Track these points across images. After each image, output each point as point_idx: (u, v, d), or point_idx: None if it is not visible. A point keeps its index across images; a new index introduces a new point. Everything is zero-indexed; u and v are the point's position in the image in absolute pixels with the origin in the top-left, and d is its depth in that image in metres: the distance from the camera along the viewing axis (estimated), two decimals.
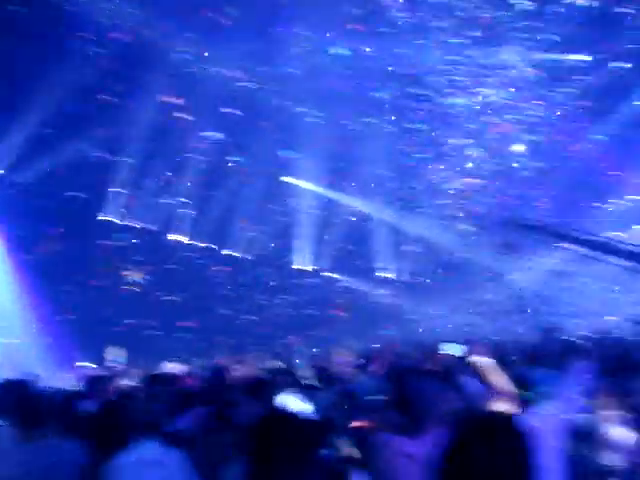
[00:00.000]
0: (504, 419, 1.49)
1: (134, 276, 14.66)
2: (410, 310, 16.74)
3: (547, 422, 2.53)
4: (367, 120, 15.74)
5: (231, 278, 16.11)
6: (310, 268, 17.16)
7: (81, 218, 13.54)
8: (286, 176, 16.29)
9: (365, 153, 15.76)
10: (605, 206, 15.79)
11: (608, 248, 12.42)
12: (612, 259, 12.39)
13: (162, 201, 15.00)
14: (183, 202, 15.26)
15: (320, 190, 16.79)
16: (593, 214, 15.48)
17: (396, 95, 15.57)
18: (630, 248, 11.74)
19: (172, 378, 4.70)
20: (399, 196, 16.95)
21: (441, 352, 3.06)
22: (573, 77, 15.22)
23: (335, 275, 17.83)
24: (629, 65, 14.72)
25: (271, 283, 16.72)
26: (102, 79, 13.02)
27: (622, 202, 15.60)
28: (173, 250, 15.24)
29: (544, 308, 14.18)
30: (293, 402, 3.94)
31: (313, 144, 15.25)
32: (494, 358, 2.80)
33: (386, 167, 16.19)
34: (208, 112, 14.52)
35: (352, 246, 17.33)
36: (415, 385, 2.32)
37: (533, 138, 16.13)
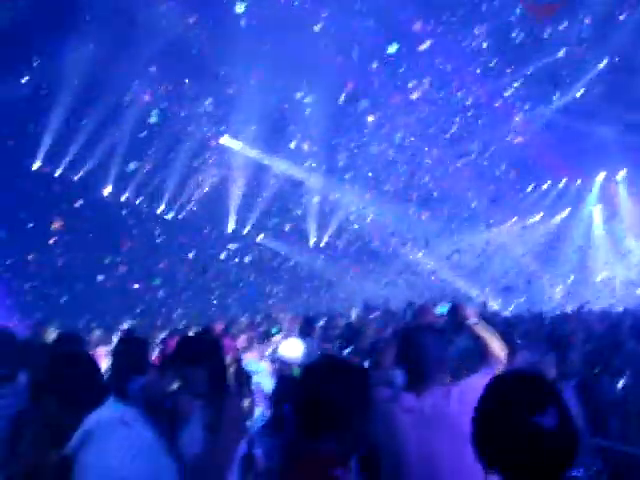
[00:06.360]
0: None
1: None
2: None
3: None
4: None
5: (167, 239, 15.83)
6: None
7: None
8: (222, 137, 16.13)
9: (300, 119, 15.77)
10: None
11: None
12: None
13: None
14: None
15: (254, 154, 16.76)
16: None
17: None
18: None
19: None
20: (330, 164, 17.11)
21: (433, 311, 2.93)
22: None
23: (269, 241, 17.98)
24: None
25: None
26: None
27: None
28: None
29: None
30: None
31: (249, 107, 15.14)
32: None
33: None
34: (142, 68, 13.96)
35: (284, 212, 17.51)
36: (421, 341, 2.34)
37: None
